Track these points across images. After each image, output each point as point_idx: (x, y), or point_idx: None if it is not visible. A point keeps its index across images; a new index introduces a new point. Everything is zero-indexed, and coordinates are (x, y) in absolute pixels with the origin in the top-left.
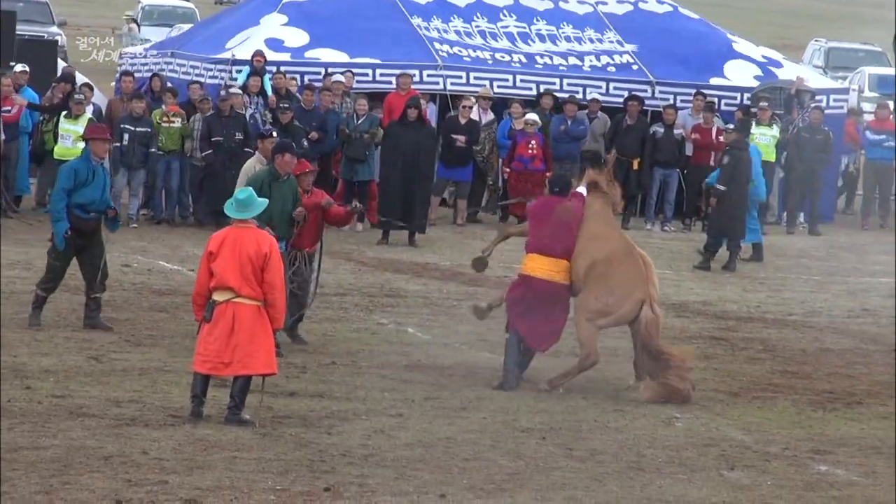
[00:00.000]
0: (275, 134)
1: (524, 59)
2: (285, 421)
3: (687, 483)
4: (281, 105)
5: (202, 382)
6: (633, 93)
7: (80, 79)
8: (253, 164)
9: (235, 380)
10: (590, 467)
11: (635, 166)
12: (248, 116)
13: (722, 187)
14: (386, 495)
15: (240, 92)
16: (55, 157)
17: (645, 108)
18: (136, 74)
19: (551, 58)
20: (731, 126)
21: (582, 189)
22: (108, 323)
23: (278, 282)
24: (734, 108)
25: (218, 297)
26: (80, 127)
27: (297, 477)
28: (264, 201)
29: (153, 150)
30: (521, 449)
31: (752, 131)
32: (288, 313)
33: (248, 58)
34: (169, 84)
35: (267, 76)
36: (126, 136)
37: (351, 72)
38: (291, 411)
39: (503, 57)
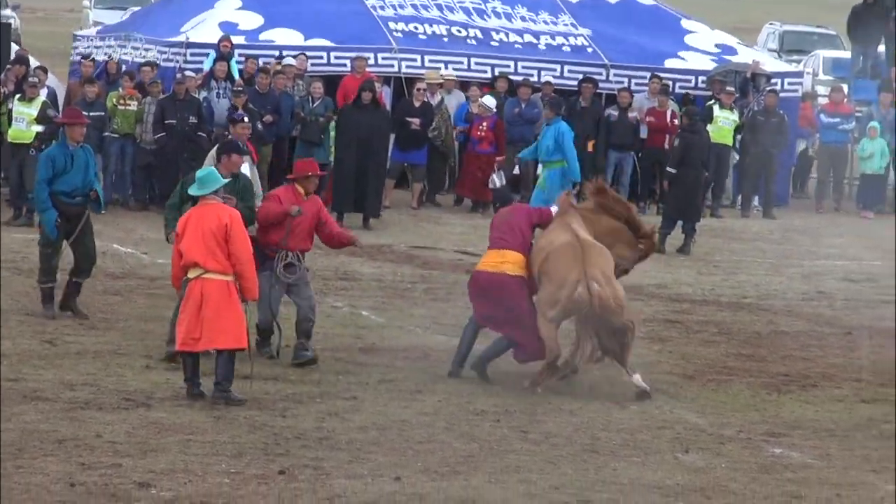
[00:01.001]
0: (246, 119)
1: (480, 35)
2: (239, 404)
3: (641, 466)
4: (235, 88)
5: (190, 365)
6: (587, 75)
7: (34, 62)
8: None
9: (217, 357)
10: (544, 450)
11: (590, 148)
12: (202, 100)
13: (672, 170)
14: (340, 478)
15: (194, 75)
16: (9, 140)
17: (599, 91)
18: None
19: (507, 34)
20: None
21: (553, 208)
22: (84, 310)
23: (244, 252)
24: (689, 91)
25: (190, 274)
26: (33, 110)
27: (252, 460)
28: (222, 179)
29: (107, 134)
30: (475, 432)
31: (715, 114)
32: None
33: (202, 41)
34: (124, 67)
35: (234, 60)
36: None
37: (304, 55)
38: (245, 394)
39: (459, 31)
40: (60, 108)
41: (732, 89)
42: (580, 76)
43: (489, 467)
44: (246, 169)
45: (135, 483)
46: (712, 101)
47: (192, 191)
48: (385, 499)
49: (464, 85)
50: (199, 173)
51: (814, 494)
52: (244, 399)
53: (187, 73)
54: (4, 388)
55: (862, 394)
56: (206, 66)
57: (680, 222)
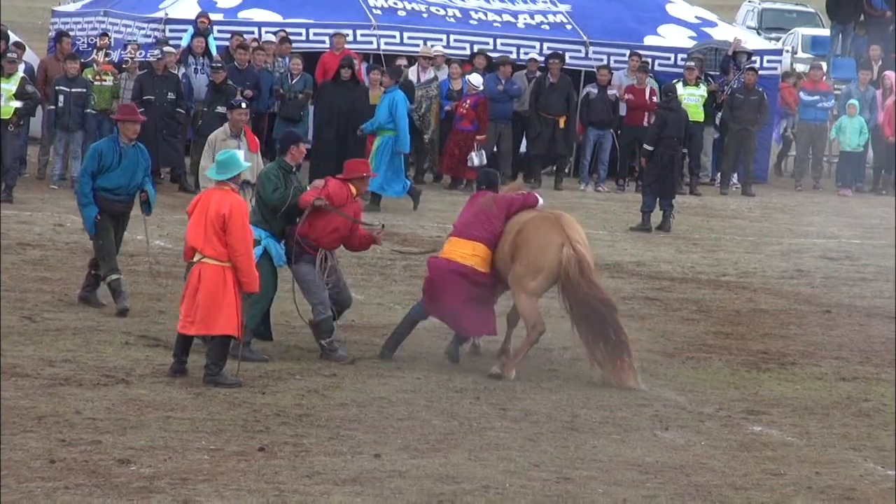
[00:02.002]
0: (244, 105)
1: (459, 15)
2: (231, 386)
3: (621, 443)
4: (214, 65)
5: (180, 343)
6: (555, 51)
7: (12, 38)
8: (218, 135)
9: (210, 340)
10: (524, 427)
11: (561, 125)
12: (181, 76)
13: (650, 147)
14: (320, 455)
15: (174, 51)
16: None
17: (578, 68)
18: (70, 34)
19: (485, 13)
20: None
21: (541, 200)
22: (102, 301)
23: (240, 244)
24: (668, 69)
25: (195, 257)
26: (12, 86)
27: (231, 437)
28: (244, 164)
29: (88, 110)
30: (455, 409)
31: (679, 93)
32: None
33: (181, 17)
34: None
35: (212, 37)
36: (62, 98)
37: (285, 31)
38: (225, 371)
39: (438, 10)
40: (36, 84)
41: (693, 65)
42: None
43: (469, 445)
44: (242, 156)
45: (115, 460)
46: (676, 80)
47: (211, 174)
48: (365, 476)
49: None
50: (219, 156)
51: (793, 472)
52: (238, 382)
53: (166, 49)
54: None
55: (841, 372)
56: (185, 41)
57: (658, 200)
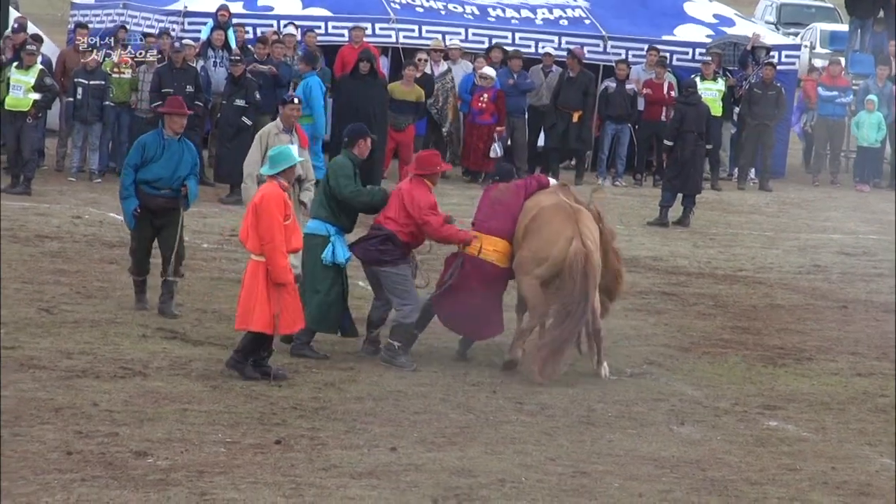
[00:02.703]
0: (296, 100)
1: (476, 12)
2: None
3: (637, 438)
4: (232, 58)
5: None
6: (572, 47)
7: (31, 29)
8: (270, 129)
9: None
10: (540, 421)
11: (575, 119)
12: (199, 69)
13: (669, 142)
14: (336, 448)
15: (193, 44)
16: (6, 107)
17: (597, 62)
18: (89, 26)
19: (503, 10)
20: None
21: (552, 180)
22: (177, 311)
23: (266, 233)
24: (686, 63)
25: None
26: (31, 77)
27: (248, 430)
28: (295, 158)
29: (107, 102)
30: (471, 402)
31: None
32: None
33: (200, 10)
34: (129, 36)
35: (231, 30)
36: (80, 90)
37: (314, 32)
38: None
39: (455, 8)
40: (54, 76)
41: (709, 59)
42: (578, 48)
43: (485, 438)
44: (295, 151)
45: (131, 452)
46: (694, 74)
47: (263, 170)
48: (381, 469)
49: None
50: (271, 151)
51: (809, 467)
52: (284, 374)
53: (185, 41)
54: (2, 357)
55: (857, 367)
56: (204, 34)
57: (680, 195)
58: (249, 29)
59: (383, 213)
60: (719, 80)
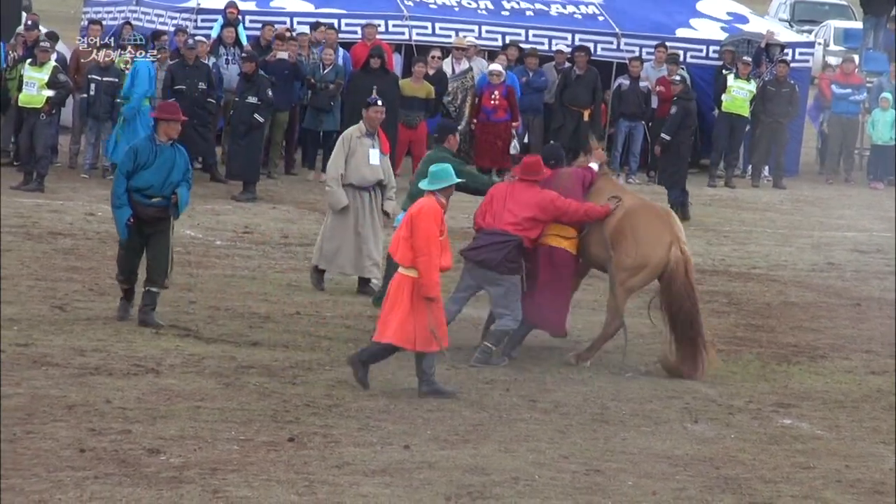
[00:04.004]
0: (380, 102)
1: (490, 6)
2: (249, 371)
3: (651, 435)
4: (243, 55)
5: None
6: (582, 44)
7: (43, 28)
8: (353, 133)
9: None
10: (554, 419)
11: (586, 117)
12: (211, 66)
13: (667, 136)
14: (350, 446)
15: (205, 40)
16: (20, 104)
17: (608, 59)
18: (103, 23)
19: (518, 3)
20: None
21: (594, 164)
22: (160, 321)
23: (422, 244)
24: (700, 60)
25: None
26: (44, 74)
27: (261, 427)
28: (454, 177)
29: (119, 99)
30: (484, 400)
31: (729, 84)
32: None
33: (213, 7)
34: (134, 32)
35: (241, 26)
36: (93, 87)
37: (333, 28)
38: (255, 361)
39: (469, 4)
40: (68, 73)
41: (749, 59)
42: (591, 45)
43: (498, 436)
44: (376, 158)
45: (144, 449)
46: (725, 70)
47: (423, 185)
48: (394, 467)
49: (490, 54)
50: (433, 167)
51: (822, 465)
52: (454, 392)
53: (197, 38)
54: (14, 354)
55: (871, 365)
56: (215, 31)
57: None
58: (257, 27)
59: (497, 219)
60: (752, 81)
